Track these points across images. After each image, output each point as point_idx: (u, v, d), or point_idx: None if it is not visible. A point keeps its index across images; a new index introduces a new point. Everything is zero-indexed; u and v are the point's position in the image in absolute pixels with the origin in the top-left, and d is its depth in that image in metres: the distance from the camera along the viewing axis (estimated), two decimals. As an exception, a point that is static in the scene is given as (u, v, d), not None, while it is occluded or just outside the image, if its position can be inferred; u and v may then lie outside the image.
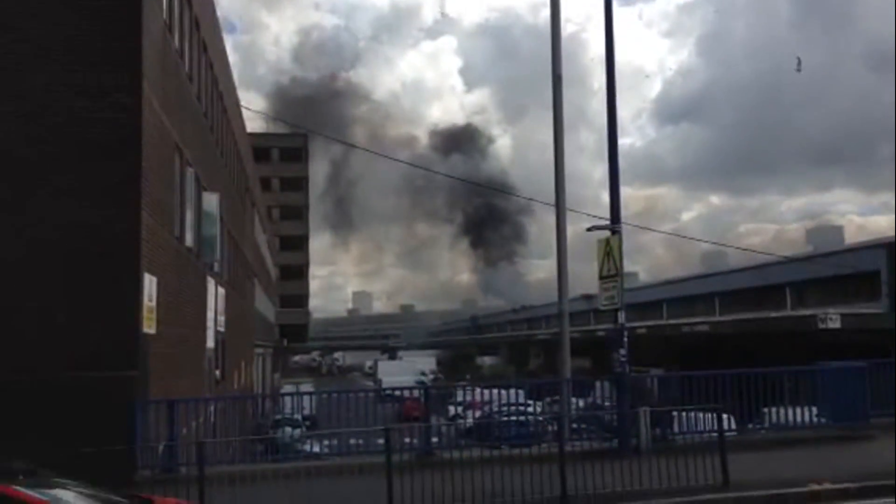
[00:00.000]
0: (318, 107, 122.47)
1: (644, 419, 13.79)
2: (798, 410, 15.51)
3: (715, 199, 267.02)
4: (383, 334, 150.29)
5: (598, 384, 18.43)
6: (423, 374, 71.57)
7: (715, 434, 11.97)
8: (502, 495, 10.66)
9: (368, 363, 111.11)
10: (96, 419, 11.79)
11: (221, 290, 25.05)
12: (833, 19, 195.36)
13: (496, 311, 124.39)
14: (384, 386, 35.02)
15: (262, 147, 69.54)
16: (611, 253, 14.59)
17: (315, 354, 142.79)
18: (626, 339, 14.48)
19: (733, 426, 15.00)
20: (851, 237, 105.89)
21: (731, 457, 11.46)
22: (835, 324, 37.02)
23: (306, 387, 47.82)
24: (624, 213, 15.10)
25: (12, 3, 13.07)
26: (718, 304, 59.79)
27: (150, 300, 13.71)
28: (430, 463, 11.89)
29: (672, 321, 59.54)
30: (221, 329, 24.70)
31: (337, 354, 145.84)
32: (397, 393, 18.14)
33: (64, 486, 7.18)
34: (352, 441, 15.00)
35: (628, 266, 15.01)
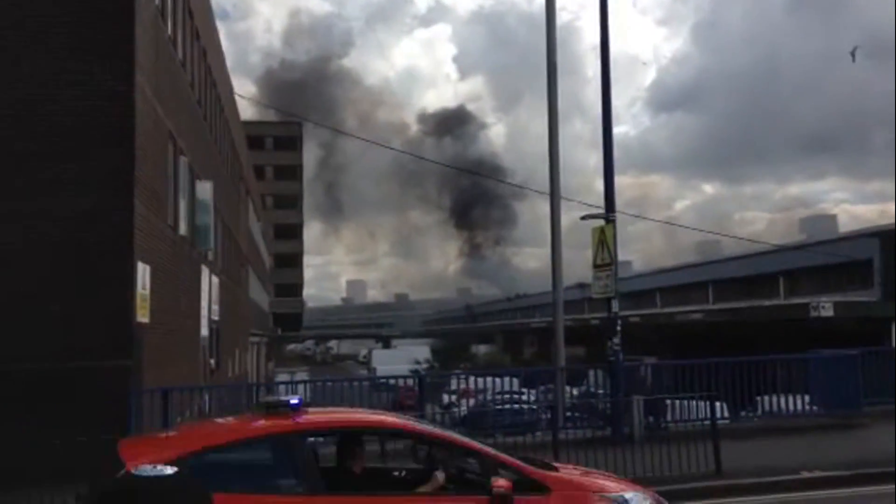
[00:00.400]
0: (311, 94, 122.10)
1: (637, 407, 13.83)
2: (791, 398, 15.58)
3: (708, 188, 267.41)
4: (377, 323, 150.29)
5: (591, 372, 18.50)
6: (418, 362, 71.66)
7: (708, 422, 12.02)
8: (496, 483, 10.68)
9: (363, 352, 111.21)
10: (90, 408, 11.78)
11: (215, 279, 25.02)
12: (828, 7, 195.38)
13: (490, 300, 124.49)
14: (378, 375, 35.06)
15: (256, 135, 69.37)
16: (605, 242, 14.61)
17: (309, 343, 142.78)
18: (619, 328, 14.52)
19: (726, 414, 15.07)
20: (844, 226, 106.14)
21: (723, 445, 11.50)
22: (827, 312, 37.14)
23: (301, 375, 47.84)
24: (618, 201, 15.14)
25: (3, -10, 13.00)
26: (712, 292, 59.94)
27: (144, 289, 13.69)
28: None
29: (666, 310, 59.70)
30: (216, 318, 24.68)
31: (331, 343, 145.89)
32: (392, 382, 18.16)
33: None
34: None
35: (622, 255, 15.03)
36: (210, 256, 23.79)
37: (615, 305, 14.56)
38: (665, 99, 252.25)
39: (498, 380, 17.93)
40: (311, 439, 6.67)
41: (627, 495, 6.13)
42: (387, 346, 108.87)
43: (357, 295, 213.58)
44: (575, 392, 18.10)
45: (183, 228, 18.43)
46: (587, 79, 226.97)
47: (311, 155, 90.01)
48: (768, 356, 16.44)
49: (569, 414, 15.44)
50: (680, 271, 68.21)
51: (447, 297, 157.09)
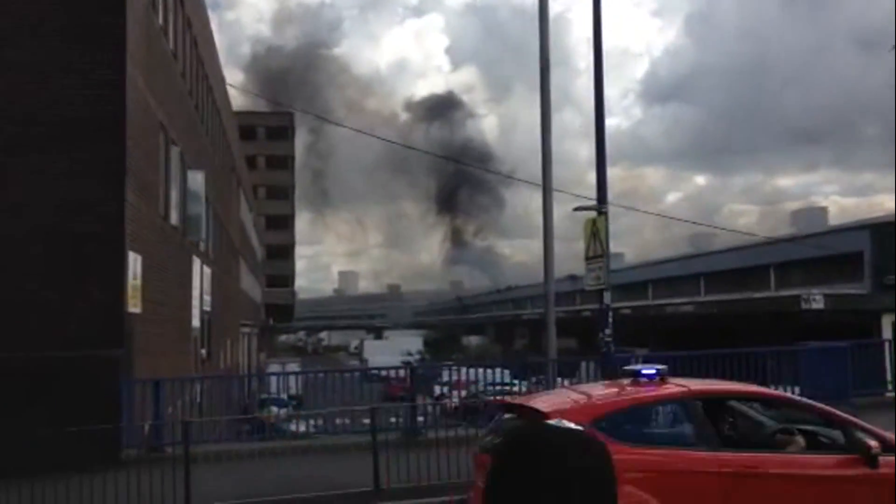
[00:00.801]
0: (301, 83, 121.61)
1: (628, 399, 13.86)
2: (781, 390, 15.64)
3: (700, 180, 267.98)
4: (369, 314, 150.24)
5: (583, 364, 18.53)
6: (410, 353, 71.76)
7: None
8: (488, 474, 10.71)
9: (354, 343, 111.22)
10: (81, 398, 11.76)
11: (207, 270, 24.97)
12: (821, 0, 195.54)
13: (482, 292, 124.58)
14: (370, 366, 35.07)
15: (247, 125, 69.11)
16: (597, 233, 14.61)
17: (301, 334, 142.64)
18: (611, 320, 14.54)
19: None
20: (835, 218, 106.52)
21: (714, 436, 11.54)
22: (818, 304, 37.30)
23: (292, 366, 47.84)
24: (610, 193, 15.14)
25: (-7, -22, 12.91)
26: (703, 284, 60.11)
27: (136, 279, 13.66)
28: (415, 442, 11.94)
29: (657, 302, 59.84)
30: (207, 308, 24.65)
31: (323, 334, 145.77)
32: (383, 373, 18.18)
33: None
34: (338, 420, 15.04)
35: (614, 247, 15.05)
36: (202, 247, 23.74)
37: (607, 297, 14.58)
38: (657, 91, 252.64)
39: (489, 371, 17.97)
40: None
41: None
42: (378, 337, 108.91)
43: (349, 286, 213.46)
44: (567, 383, 18.13)
45: (174, 219, 18.38)
46: (579, 70, 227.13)
47: (299, 142, 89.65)
48: (759, 348, 16.51)
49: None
50: (671, 263, 68.34)
51: (439, 289, 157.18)
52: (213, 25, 32.17)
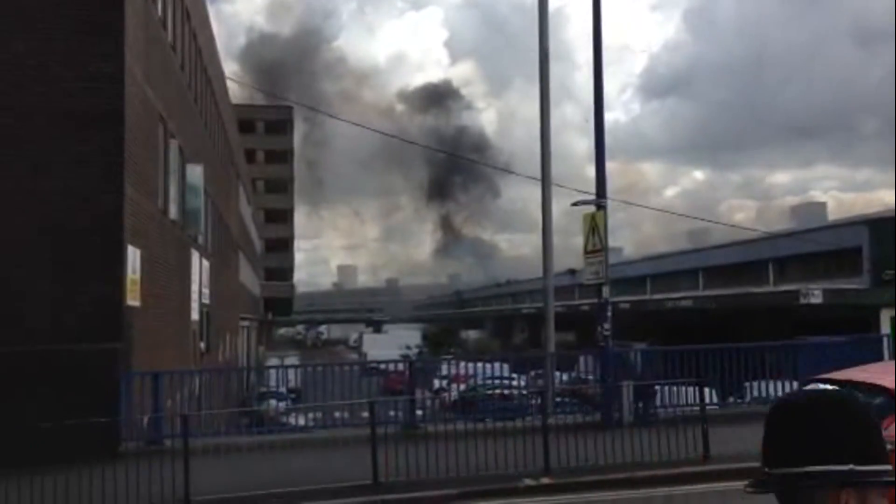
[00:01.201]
0: (298, 75, 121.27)
1: (627, 393, 13.89)
2: (779, 385, 15.67)
3: (699, 175, 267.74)
4: (368, 308, 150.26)
5: (581, 358, 18.56)
6: (408, 347, 71.74)
7: (697, 408, 12.08)
8: (486, 468, 10.74)
9: (353, 336, 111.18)
10: (81, 391, 11.77)
11: (206, 263, 24.96)
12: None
13: (481, 286, 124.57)
14: (369, 359, 35.06)
15: (246, 119, 69.00)
16: (596, 228, 14.61)
17: (300, 328, 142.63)
18: (609, 314, 14.55)
19: (715, 400, 15.15)
20: (834, 213, 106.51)
21: (712, 430, 11.57)
22: (816, 299, 37.27)
23: (291, 360, 47.85)
24: (608, 188, 15.12)
25: (-8, -31, 12.86)
26: (702, 279, 60.14)
27: (135, 273, 13.65)
28: (414, 436, 11.96)
29: (655, 296, 59.85)
30: (206, 302, 24.64)
31: (322, 328, 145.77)
32: (382, 366, 18.19)
33: None
34: (337, 414, 15.06)
35: (612, 241, 15.05)
36: (200, 240, 23.72)
37: (606, 292, 14.59)
38: (656, 85, 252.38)
39: (488, 365, 17.98)
40: None
41: None
42: (377, 330, 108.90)
43: (348, 279, 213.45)
44: (565, 377, 18.17)
45: (173, 212, 18.36)
46: (577, 64, 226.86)
47: (295, 132, 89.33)
48: (757, 343, 16.52)
49: (558, 399, 15.50)
50: (670, 258, 68.37)
51: (438, 283, 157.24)
52: (212, 17, 32.10)
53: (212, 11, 33.94)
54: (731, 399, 15.60)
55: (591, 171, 15.47)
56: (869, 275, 42.02)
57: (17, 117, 12.68)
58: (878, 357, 15.87)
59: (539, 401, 14.52)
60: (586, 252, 14.84)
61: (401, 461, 10.53)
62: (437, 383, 18.78)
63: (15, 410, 11.22)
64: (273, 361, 49.61)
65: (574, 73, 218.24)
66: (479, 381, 17.49)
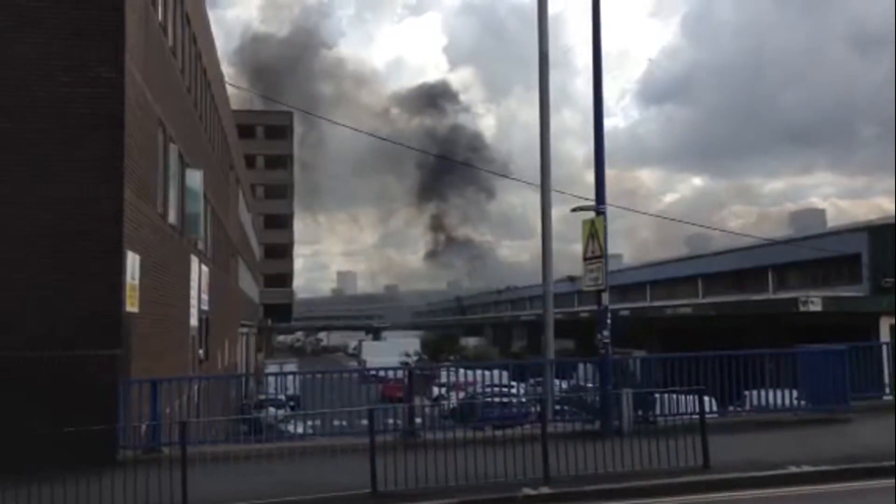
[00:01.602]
0: (298, 80, 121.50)
1: (626, 401, 13.85)
2: (779, 393, 15.63)
3: (698, 181, 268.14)
4: (367, 314, 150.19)
5: (581, 366, 18.50)
6: (408, 354, 71.62)
7: (696, 416, 12.04)
8: (485, 476, 10.70)
9: (353, 343, 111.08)
10: (78, 397, 11.72)
11: (205, 269, 24.92)
12: (816, 0, 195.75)
13: (480, 292, 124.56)
14: (368, 366, 34.99)
15: (246, 124, 69.05)
16: (595, 234, 14.58)
17: (299, 334, 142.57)
18: (609, 321, 14.52)
19: (715, 408, 15.10)
20: (833, 220, 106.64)
21: (712, 439, 11.53)
22: (816, 307, 37.24)
23: (290, 367, 47.78)
24: (607, 194, 15.08)
25: (-8, -25, 12.85)
26: (701, 286, 60.11)
27: (133, 278, 13.61)
28: (413, 444, 11.91)
29: (655, 303, 59.80)
30: (205, 308, 24.60)
31: (321, 334, 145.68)
32: (381, 374, 18.14)
33: None
34: (336, 422, 15.00)
35: (611, 248, 15.01)
36: (200, 245, 23.69)
37: (605, 298, 14.55)
38: (655, 92, 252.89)
39: (487, 372, 17.93)
40: None
41: None
42: (377, 337, 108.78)
43: (347, 286, 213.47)
44: (564, 385, 18.11)
45: (172, 217, 18.34)
46: (576, 70, 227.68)
47: (295, 138, 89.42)
48: (756, 350, 16.49)
49: (558, 407, 15.44)
50: (670, 265, 68.34)
51: (437, 289, 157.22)
52: (211, 22, 32.11)
53: (212, 16, 33.96)
54: (731, 407, 15.55)
55: (589, 176, 15.46)
56: (869, 282, 42.00)
57: (17, 121, 12.66)
58: (878, 365, 15.84)
59: (538, 408, 14.47)
60: (586, 258, 14.81)
61: (400, 469, 10.49)
62: (436, 391, 18.73)
63: (13, 417, 11.17)
64: (272, 368, 49.58)
65: (572, 79, 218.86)
66: (479, 389, 17.44)
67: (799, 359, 16.00)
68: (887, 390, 16.25)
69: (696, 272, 60.97)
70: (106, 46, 12.94)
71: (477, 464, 10.75)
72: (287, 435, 15.88)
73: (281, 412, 18.63)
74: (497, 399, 16.61)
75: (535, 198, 17.34)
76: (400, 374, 16.78)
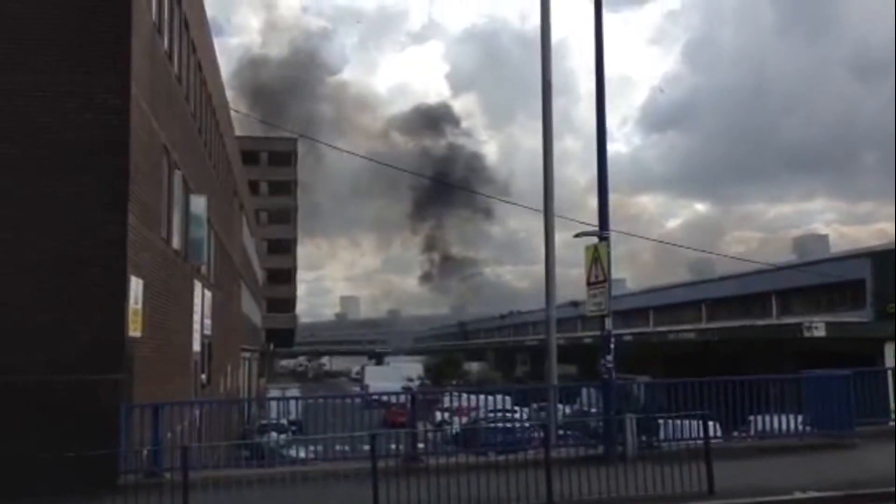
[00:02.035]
0: (300, 107, 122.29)
1: (630, 426, 13.78)
2: (783, 418, 15.55)
3: (700, 207, 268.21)
4: (370, 339, 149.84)
5: (584, 391, 18.45)
6: (411, 379, 71.46)
7: (701, 441, 11.98)
8: (488, 501, 10.64)
9: (355, 368, 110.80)
10: (80, 422, 11.69)
11: (208, 294, 24.94)
12: (818, 26, 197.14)
13: (483, 317, 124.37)
14: (371, 391, 34.88)
15: (251, 150, 69.39)
16: (598, 259, 14.59)
17: (302, 359, 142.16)
18: (612, 346, 14.49)
19: (719, 434, 15.01)
20: (836, 246, 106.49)
21: (716, 464, 11.47)
22: (819, 332, 37.17)
23: (292, 392, 47.64)
24: (610, 219, 15.10)
25: None
26: (705, 311, 60.02)
27: (136, 303, 13.63)
28: (416, 469, 11.86)
29: (659, 328, 59.68)
30: (208, 332, 24.58)
31: (324, 359, 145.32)
32: (384, 398, 18.09)
33: None
34: (338, 447, 14.94)
35: (614, 273, 15.01)
36: (203, 271, 23.73)
37: (609, 323, 14.53)
38: (657, 118, 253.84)
39: (490, 397, 17.87)
40: None
41: None
42: (379, 362, 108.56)
43: (350, 310, 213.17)
44: (567, 410, 18.04)
45: (176, 242, 18.39)
46: (578, 96, 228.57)
47: (307, 172, 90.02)
48: (761, 376, 16.42)
49: (561, 432, 15.38)
50: (673, 290, 68.32)
51: (439, 314, 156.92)
52: (217, 49, 32.37)
53: (217, 44, 34.21)
54: (736, 433, 15.47)
55: (591, 201, 15.51)
56: (872, 308, 41.91)
57: (22, 147, 12.74)
58: (883, 390, 15.77)
59: (541, 434, 14.41)
60: (589, 284, 14.81)
61: (402, 495, 10.44)
62: (439, 416, 18.66)
63: (14, 441, 11.15)
64: (274, 393, 49.41)
65: (574, 105, 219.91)
66: (482, 414, 17.37)
67: (804, 384, 15.94)
68: (892, 416, 16.16)
69: (700, 297, 60.91)
70: (113, 74, 13.04)
71: (480, 489, 10.69)
72: (289, 460, 15.80)
73: (283, 437, 18.55)
74: (500, 424, 16.54)
75: (536, 223, 17.45)
76: (403, 398, 16.74)
